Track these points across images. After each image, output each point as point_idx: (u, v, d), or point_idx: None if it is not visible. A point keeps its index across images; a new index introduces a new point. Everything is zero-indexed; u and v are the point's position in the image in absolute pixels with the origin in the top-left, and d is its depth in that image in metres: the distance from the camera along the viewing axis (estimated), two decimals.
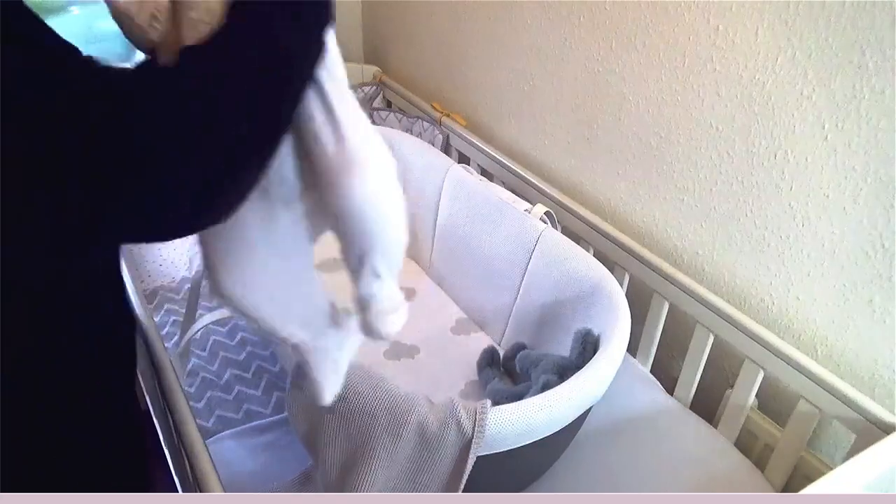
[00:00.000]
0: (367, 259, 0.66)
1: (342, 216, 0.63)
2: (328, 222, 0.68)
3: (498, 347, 1.23)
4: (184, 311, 1.24)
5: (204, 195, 0.52)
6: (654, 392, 1.15)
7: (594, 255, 1.16)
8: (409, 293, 1.41)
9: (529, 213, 1.22)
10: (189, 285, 1.23)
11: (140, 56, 0.59)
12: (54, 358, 0.66)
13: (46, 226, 0.48)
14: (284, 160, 0.66)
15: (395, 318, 0.69)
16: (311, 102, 0.60)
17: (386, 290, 0.68)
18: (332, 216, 0.64)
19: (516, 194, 1.31)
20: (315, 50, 0.56)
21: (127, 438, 0.75)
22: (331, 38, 0.60)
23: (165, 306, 1.44)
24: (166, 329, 1.38)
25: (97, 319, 0.68)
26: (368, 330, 0.70)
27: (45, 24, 0.48)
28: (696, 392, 1.13)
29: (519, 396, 0.98)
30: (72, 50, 0.48)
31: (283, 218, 0.69)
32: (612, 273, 1.07)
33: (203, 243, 0.69)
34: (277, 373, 1.28)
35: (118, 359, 0.73)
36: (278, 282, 0.72)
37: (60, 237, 0.50)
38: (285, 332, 0.73)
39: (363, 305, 0.69)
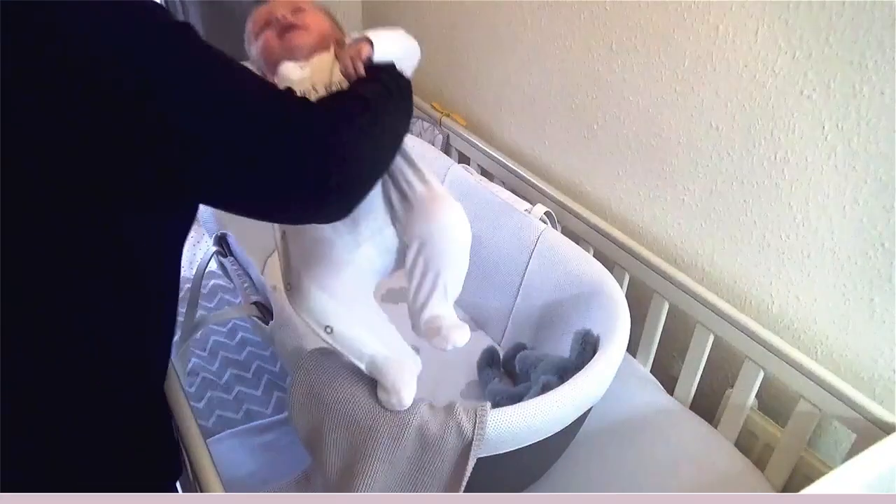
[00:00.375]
0: (440, 279, 0.82)
1: (429, 239, 0.81)
2: (399, 260, 0.87)
3: (498, 347, 1.23)
4: (184, 310, 1.24)
5: (360, 188, 0.70)
6: (654, 392, 1.15)
7: (594, 255, 1.16)
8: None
9: (529, 213, 1.22)
10: (189, 285, 1.23)
11: None
12: (54, 357, 0.66)
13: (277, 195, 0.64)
14: (376, 201, 0.84)
15: (463, 331, 0.83)
16: (399, 158, 0.82)
17: (450, 310, 0.84)
18: (416, 243, 0.82)
19: (516, 194, 1.31)
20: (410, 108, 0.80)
21: (127, 438, 0.75)
22: None
23: None
24: None
25: (96, 319, 0.68)
26: (442, 344, 0.83)
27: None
28: (696, 392, 1.13)
29: (519, 397, 0.98)
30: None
31: (367, 248, 0.86)
32: (612, 273, 1.07)
33: (294, 264, 0.84)
34: (277, 373, 1.28)
35: (117, 359, 0.72)
36: (358, 298, 0.85)
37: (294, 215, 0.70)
38: (363, 340, 0.83)
39: (435, 324, 0.83)
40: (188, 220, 0.73)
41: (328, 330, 0.80)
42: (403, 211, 0.83)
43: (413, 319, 0.86)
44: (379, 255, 0.87)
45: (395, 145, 0.75)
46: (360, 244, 0.84)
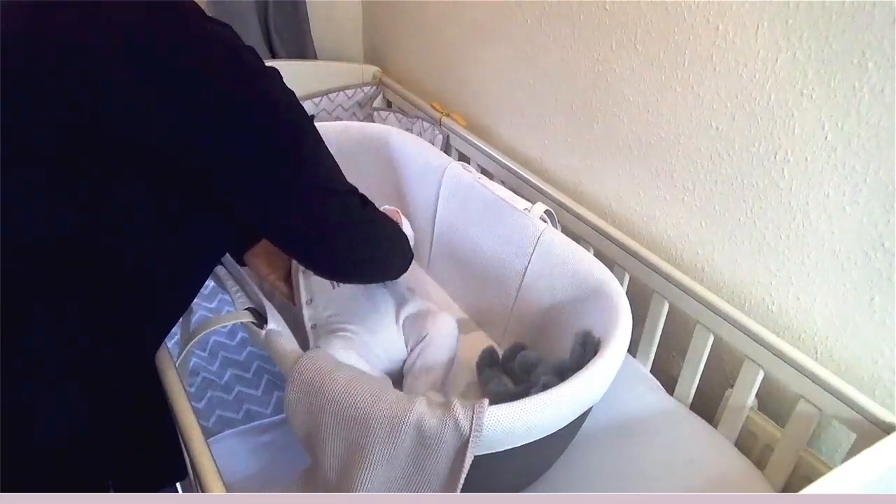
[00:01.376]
0: (433, 372, 1.08)
1: (430, 340, 1.10)
2: (400, 369, 1.12)
3: (498, 348, 1.23)
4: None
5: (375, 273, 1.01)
6: (654, 392, 1.15)
7: (594, 255, 1.16)
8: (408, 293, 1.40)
9: (529, 211, 1.22)
10: None
11: None
12: (53, 357, 0.66)
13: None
14: (388, 320, 1.12)
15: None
16: (406, 289, 1.19)
17: (439, 396, 1.00)
18: (423, 341, 1.10)
19: (516, 194, 1.31)
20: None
21: (127, 438, 0.75)
22: None
23: None
24: None
25: (96, 319, 0.68)
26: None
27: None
28: (696, 392, 1.13)
29: (519, 397, 0.98)
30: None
31: (379, 351, 1.09)
32: (612, 273, 1.07)
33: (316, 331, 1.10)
34: (277, 373, 1.28)
35: (117, 359, 0.73)
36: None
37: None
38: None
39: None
40: (215, 232, 0.75)
41: None
42: (414, 320, 1.13)
43: None
44: (387, 355, 1.09)
45: (398, 257, 1.01)
46: (374, 347, 1.08)
